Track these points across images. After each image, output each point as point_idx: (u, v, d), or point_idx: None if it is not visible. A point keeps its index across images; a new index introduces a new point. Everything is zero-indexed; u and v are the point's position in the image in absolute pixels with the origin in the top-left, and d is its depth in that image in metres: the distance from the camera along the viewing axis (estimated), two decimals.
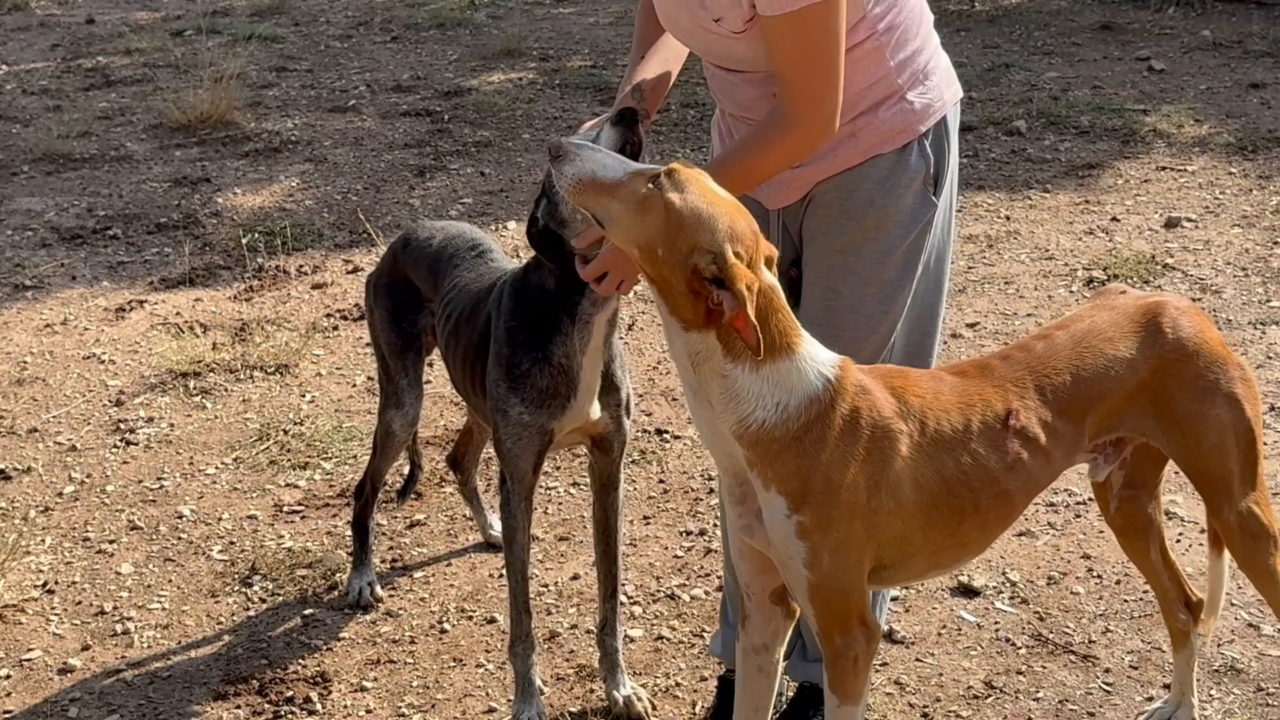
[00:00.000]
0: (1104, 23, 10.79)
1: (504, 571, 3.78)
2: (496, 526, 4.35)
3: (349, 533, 4.42)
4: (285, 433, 5.06)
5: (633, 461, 4.75)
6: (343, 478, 4.77)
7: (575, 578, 4.16)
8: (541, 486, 4.66)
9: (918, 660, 3.66)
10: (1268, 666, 3.56)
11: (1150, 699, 3.48)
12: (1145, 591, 3.88)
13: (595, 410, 3.35)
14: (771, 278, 2.63)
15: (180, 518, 4.57)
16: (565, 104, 9.12)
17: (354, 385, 5.45)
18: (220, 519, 4.56)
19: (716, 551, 4.20)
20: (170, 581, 4.25)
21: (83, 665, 3.87)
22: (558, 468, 4.78)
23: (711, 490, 4.44)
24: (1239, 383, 2.98)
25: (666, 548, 4.28)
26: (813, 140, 2.87)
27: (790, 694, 3.51)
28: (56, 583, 4.24)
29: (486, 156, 8.16)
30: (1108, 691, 3.52)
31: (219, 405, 5.32)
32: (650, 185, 2.56)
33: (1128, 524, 3.22)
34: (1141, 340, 2.91)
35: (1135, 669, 3.60)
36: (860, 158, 3.06)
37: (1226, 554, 3.14)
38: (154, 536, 4.48)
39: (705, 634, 3.86)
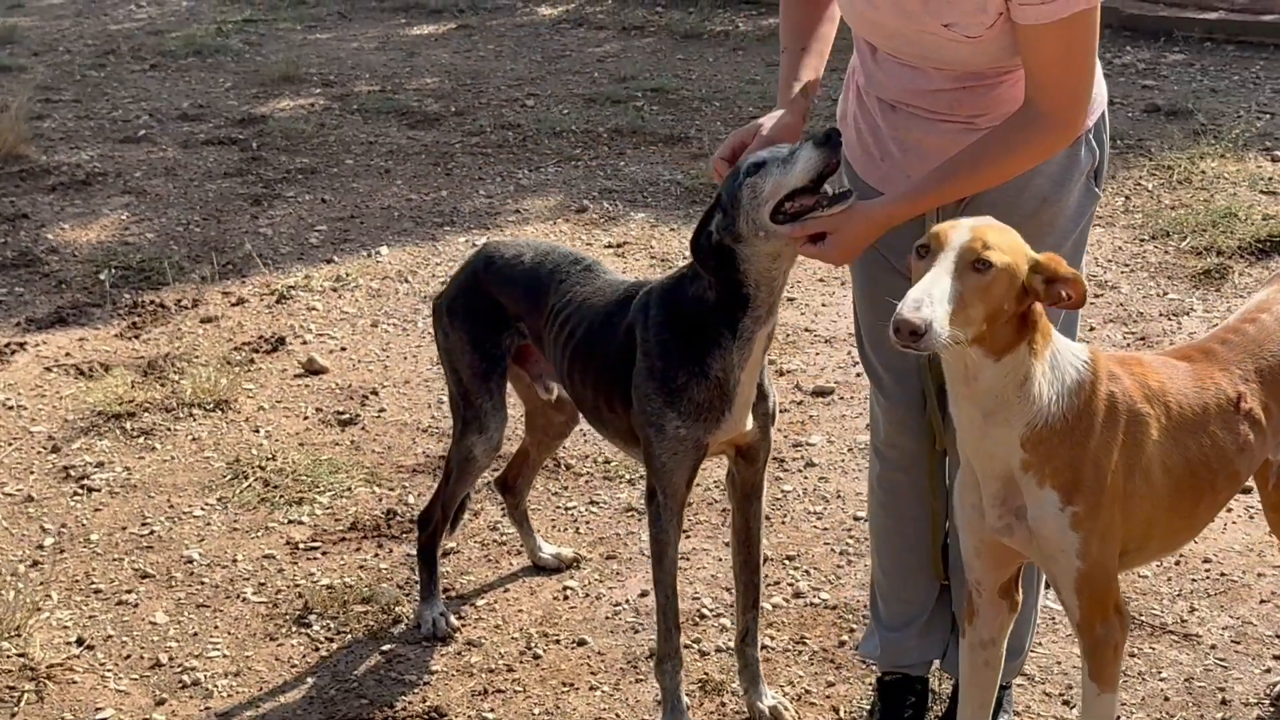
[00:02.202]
0: None
1: (579, 591, 3.74)
2: (545, 550, 4.29)
3: (383, 565, 4.29)
4: (261, 469, 4.85)
5: (640, 476, 4.73)
6: (345, 511, 4.61)
7: (644, 594, 4.12)
8: (561, 508, 4.60)
9: (1031, 651, 3.76)
10: None
11: (1268, 670, 3.67)
12: (1208, 571, 4.09)
13: (748, 422, 3.34)
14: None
15: (190, 562, 4.34)
16: (373, 128, 8.98)
17: (305, 417, 5.26)
18: (235, 560, 4.35)
19: (770, 559, 4.22)
20: (216, 628, 4.03)
21: None
22: (565, 488, 4.72)
23: None
24: None
25: (720, 560, 4.28)
26: (1066, 139, 2.94)
27: (948, 690, 3.56)
28: (91, 638, 3.96)
29: (318, 183, 7.95)
30: (1225, 667, 3.69)
31: (168, 446, 5.05)
32: (977, 268, 2.56)
33: None
34: None
35: (1237, 644, 3.79)
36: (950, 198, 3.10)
37: None
38: (172, 583, 4.24)
39: (807, 640, 3.89)
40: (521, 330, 3.78)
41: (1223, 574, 4.07)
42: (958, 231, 2.59)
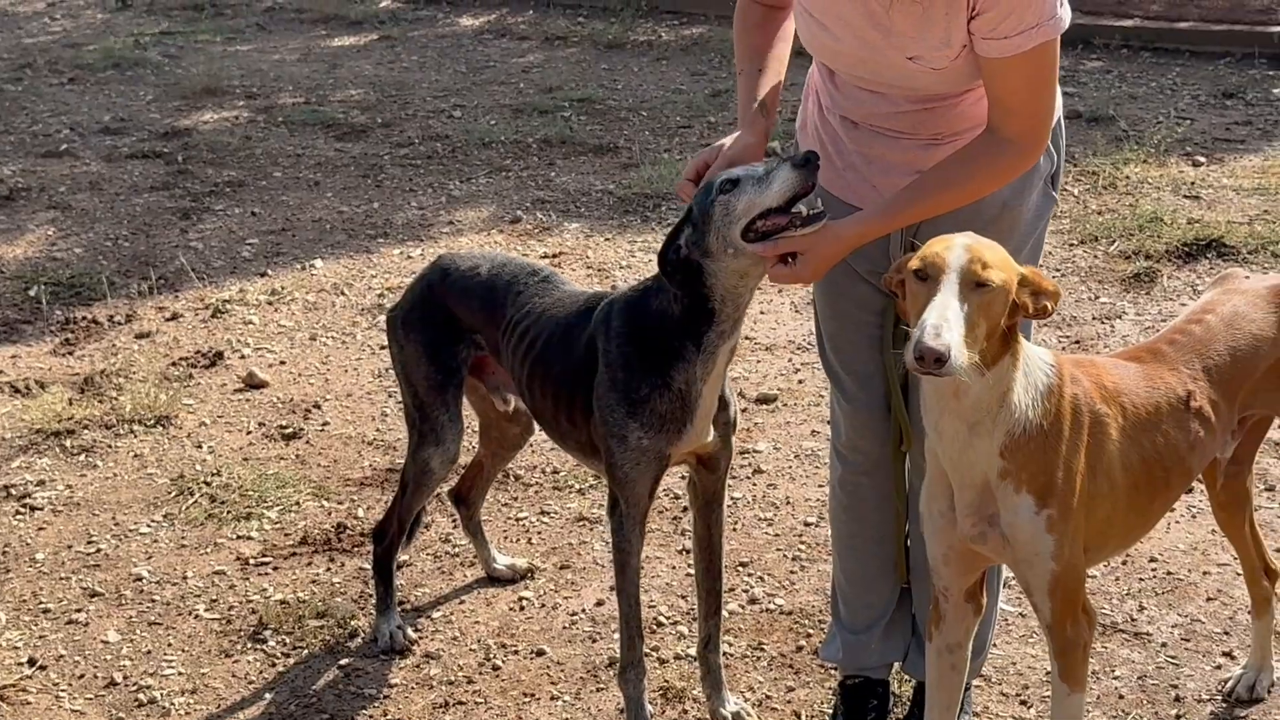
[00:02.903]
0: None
1: (523, 600, 3.75)
2: (500, 561, 4.29)
3: (336, 579, 4.28)
4: (206, 484, 4.83)
5: (590, 486, 4.75)
6: (294, 525, 4.59)
7: (600, 603, 4.13)
8: (512, 519, 4.61)
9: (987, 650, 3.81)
10: None
11: (1218, 667, 3.74)
12: (1154, 570, 4.17)
13: (710, 433, 3.36)
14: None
15: (140, 579, 4.31)
16: (300, 140, 8.93)
17: (247, 432, 5.23)
18: (186, 577, 4.32)
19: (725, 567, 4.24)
20: (170, 645, 4.00)
21: None
22: (515, 499, 4.73)
23: (686, 508, 4.48)
24: None
25: (674, 568, 4.31)
26: (1029, 162, 3.00)
27: (908, 696, 3.60)
28: (43, 658, 3.93)
29: (247, 196, 7.90)
30: (1176, 664, 3.76)
31: (110, 463, 5.01)
32: (979, 288, 2.60)
33: (1230, 499, 3.48)
34: (1278, 320, 3.16)
35: (1187, 641, 3.86)
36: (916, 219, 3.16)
37: None
38: (122, 601, 4.21)
39: (765, 646, 3.92)
40: (478, 342, 3.79)
41: (1169, 573, 4.14)
42: (954, 253, 2.62)
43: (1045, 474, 2.77)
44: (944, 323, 2.52)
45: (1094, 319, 5.91)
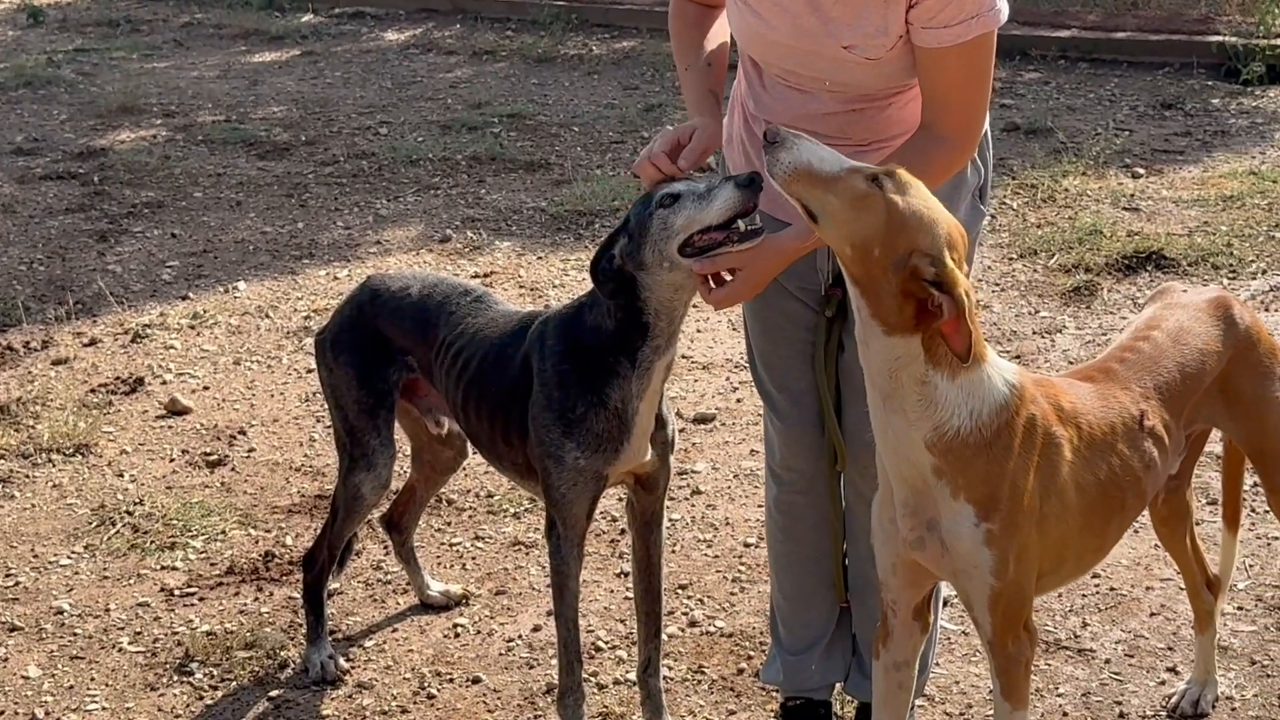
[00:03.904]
0: None
1: (444, 627, 3.79)
2: (434, 587, 4.32)
3: (265, 609, 4.29)
4: (129, 514, 4.82)
5: (525, 510, 4.78)
6: (220, 555, 4.60)
7: (537, 629, 4.16)
8: (446, 544, 4.63)
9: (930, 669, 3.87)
10: (1247, 641, 3.97)
11: (1163, 683, 3.81)
12: (1097, 586, 4.24)
13: (648, 452, 3.40)
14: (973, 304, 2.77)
15: (61, 613, 4.30)
16: (220, 159, 8.92)
17: (170, 460, 5.24)
18: (108, 610, 4.32)
19: (664, 589, 4.28)
20: (94, 679, 4.01)
21: None
22: (448, 524, 4.76)
23: (624, 530, 4.52)
24: None
25: (613, 591, 4.35)
26: (964, 158, 3.06)
27: (851, 714, 3.65)
28: None
29: (167, 218, 7.90)
30: (1120, 681, 3.83)
31: (28, 493, 5.00)
32: (870, 183, 2.67)
33: (1170, 513, 3.55)
34: (1221, 333, 3.24)
35: (1131, 657, 3.93)
36: None
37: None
38: (42, 635, 4.21)
39: (705, 669, 3.97)
40: (410, 364, 3.81)
41: (1112, 589, 4.22)
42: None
43: (987, 486, 2.80)
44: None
45: (1034, 333, 6.00)
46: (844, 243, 2.70)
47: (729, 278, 3.05)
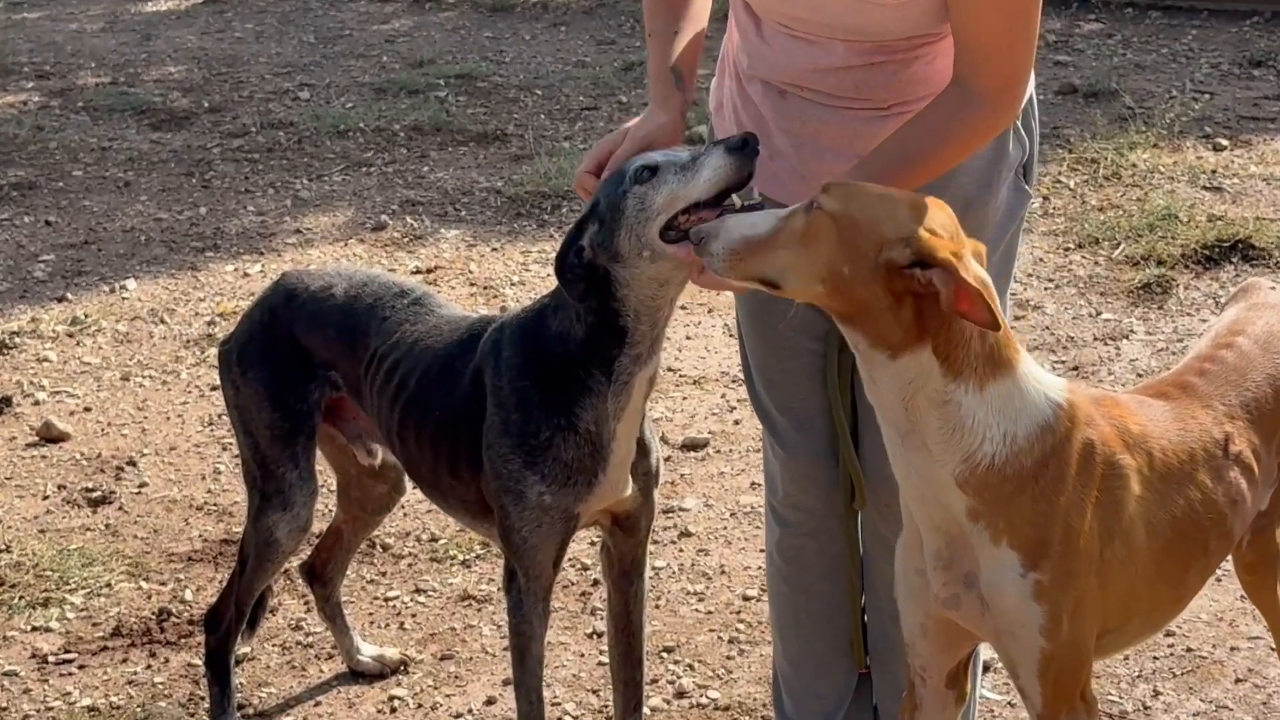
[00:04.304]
0: None
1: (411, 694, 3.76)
2: (365, 651, 4.33)
3: (159, 679, 4.31)
4: None
5: (477, 557, 4.80)
6: (104, 613, 4.61)
7: (490, 702, 4.18)
8: (380, 599, 4.65)
9: None
10: None
11: None
12: (1171, 646, 4.26)
13: (628, 485, 3.41)
14: (982, 271, 2.77)
15: None
16: (106, 130, 8.96)
17: (44, 497, 5.25)
18: None
19: (645, 652, 4.29)
20: None
21: None
22: (384, 574, 4.77)
23: (597, 581, 4.53)
24: None
25: (583, 655, 4.37)
26: (1005, 121, 3.05)
27: None
28: None
29: (40, 202, 7.92)
30: None
31: None
32: (807, 212, 2.71)
33: (1259, 559, 3.55)
34: None
35: None
36: None
37: None
38: None
39: None
40: (334, 380, 3.82)
41: (1189, 649, 4.24)
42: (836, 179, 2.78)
43: (1034, 527, 2.80)
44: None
45: (1095, 339, 6.03)
46: (813, 284, 2.73)
47: None
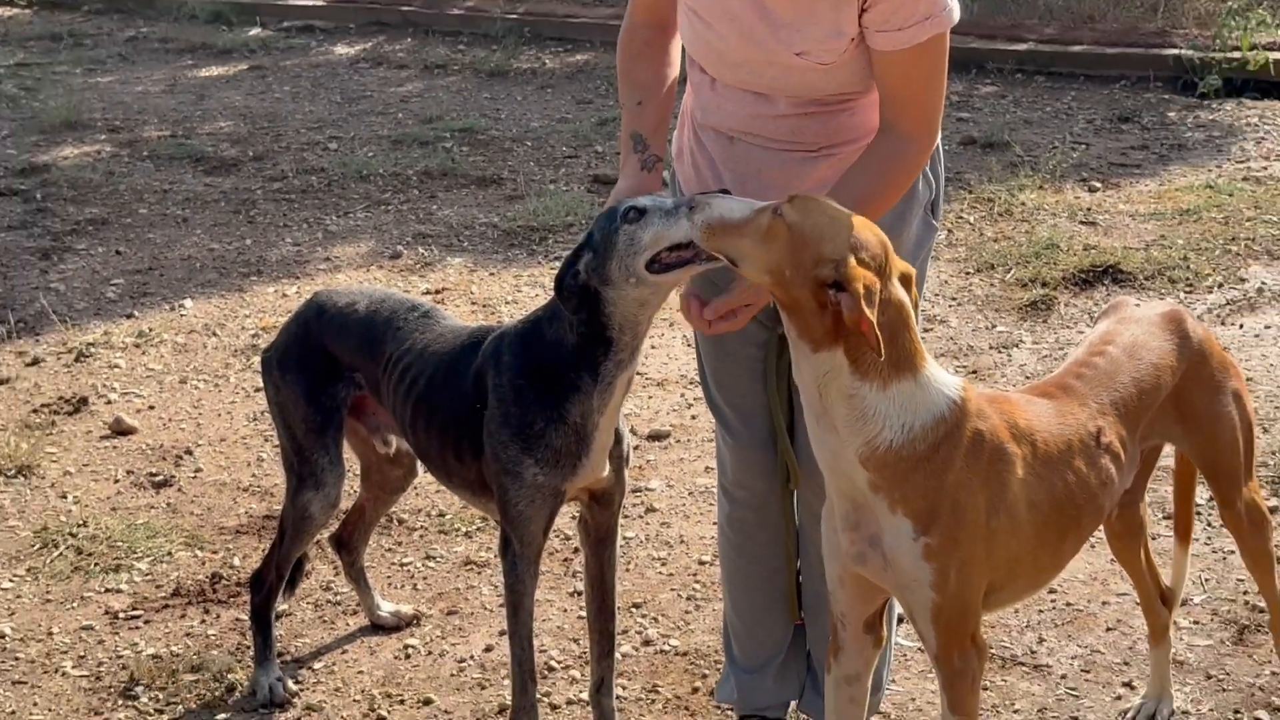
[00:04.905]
0: None
1: (400, 647, 3.78)
2: (384, 608, 4.33)
3: (212, 632, 4.29)
4: (72, 536, 4.81)
5: (477, 529, 4.79)
6: (166, 577, 4.59)
7: (489, 649, 4.18)
8: (397, 564, 4.64)
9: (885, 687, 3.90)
10: (1203, 655, 4.01)
11: (1119, 698, 3.85)
12: (1053, 601, 4.28)
13: (605, 468, 3.42)
14: (903, 293, 2.81)
15: (2, 637, 4.30)
16: (166, 175, 8.93)
17: (115, 481, 5.23)
18: (51, 633, 4.31)
19: (617, 607, 4.29)
20: (36, 705, 3.99)
21: None
22: (399, 543, 4.76)
23: (577, 549, 4.53)
24: (1238, 379, 3.41)
25: (566, 610, 4.36)
26: (927, 155, 3.10)
27: None
28: None
29: (111, 235, 7.88)
30: (1076, 696, 3.87)
31: None
32: (773, 215, 2.75)
33: (1125, 528, 3.59)
34: (1175, 347, 3.28)
35: (1087, 673, 3.97)
36: None
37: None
38: None
39: (660, 688, 3.99)
40: (357, 381, 3.82)
41: (1068, 604, 4.26)
42: (806, 192, 2.84)
43: (925, 501, 2.82)
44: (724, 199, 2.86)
45: (991, 348, 6.05)
46: (762, 273, 2.78)
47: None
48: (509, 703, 3.63)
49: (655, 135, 3.30)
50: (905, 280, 2.84)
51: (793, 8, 3.00)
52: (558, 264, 6.90)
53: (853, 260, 2.70)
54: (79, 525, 4.87)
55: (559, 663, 4.11)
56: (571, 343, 3.25)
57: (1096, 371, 3.16)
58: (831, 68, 3.04)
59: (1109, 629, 4.15)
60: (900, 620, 3.88)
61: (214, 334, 6.52)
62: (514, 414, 3.33)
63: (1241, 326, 6.11)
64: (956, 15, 3.01)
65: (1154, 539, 3.87)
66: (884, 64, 3.01)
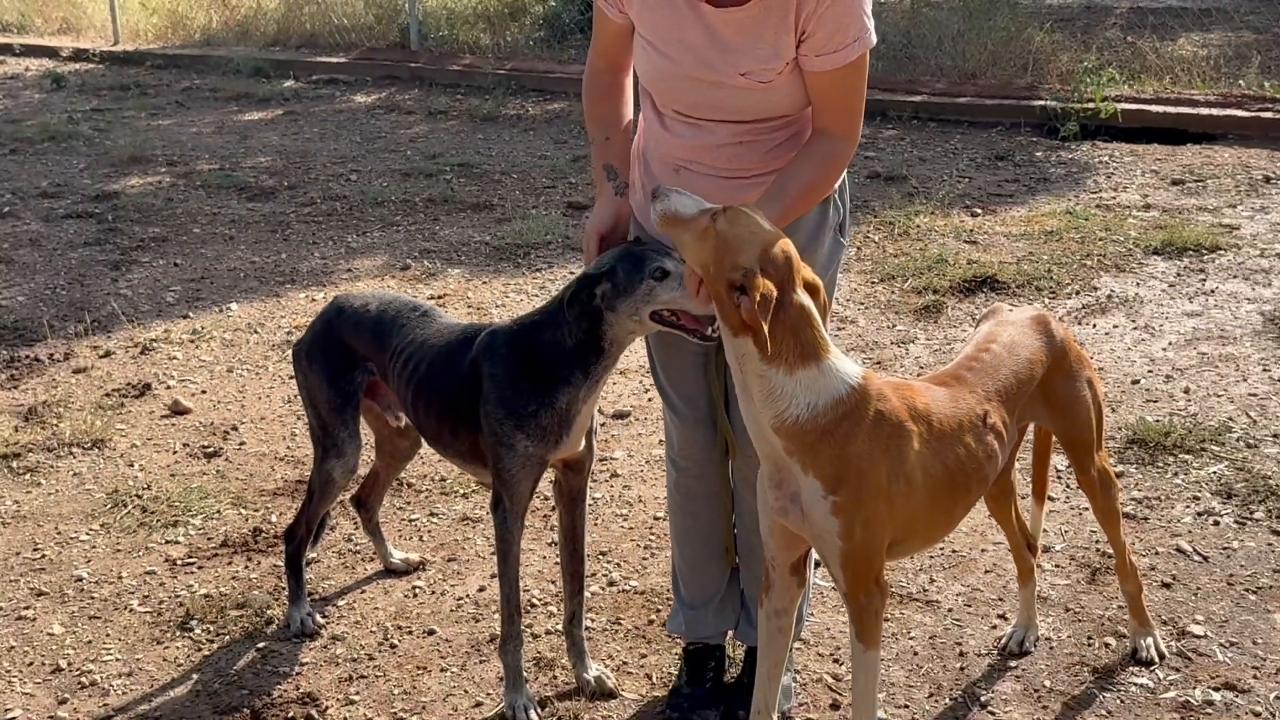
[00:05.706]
0: None
1: (410, 587, 3.75)
2: (395, 555, 4.31)
3: (254, 575, 4.27)
4: (138, 497, 4.77)
5: (472, 491, 4.78)
6: (215, 531, 4.57)
7: (482, 589, 4.17)
8: (406, 520, 4.62)
9: (806, 620, 3.90)
10: (1063, 593, 4.04)
11: (994, 627, 3.87)
12: (942, 548, 4.29)
13: (582, 443, 3.42)
14: (807, 299, 2.80)
15: (80, 580, 4.25)
16: (215, 201, 8.86)
17: (174, 452, 5.19)
18: (121, 577, 4.27)
19: (586, 554, 4.29)
20: (108, 635, 3.96)
21: (69, 717, 3.56)
22: (408, 503, 4.75)
23: (554, 507, 4.52)
24: (1091, 370, 3.43)
25: (545, 558, 4.35)
26: (853, 148, 3.09)
27: (740, 658, 3.68)
28: None
29: (170, 250, 7.82)
30: (960, 626, 3.88)
31: (52, 481, 4.94)
32: (710, 219, 2.75)
33: (999, 491, 3.60)
34: (1043, 344, 3.29)
35: (969, 607, 3.99)
36: (799, 213, 3.25)
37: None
38: (65, 599, 4.15)
39: (622, 621, 3.98)
40: (370, 369, 3.80)
41: (954, 550, 4.27)
42: (743, 206, 2.85)
43: (832, 465, 2.82)
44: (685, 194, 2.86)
45: (892, 343, 6.06)
46: (695, 264, 2.82)
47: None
48: (499, 632, 3.62)
49: (623, 166, 3.29)
50: (811, 288, 2.84)
51: (740, 33, 2.99)
52: (540, 274, 6.93)
53: (758, 271, 2.71)
54: (144, 489, 4.84)
55: (539, 600, 4.10)
56: (570, 345, 3.24)
57: (983, 365, 3.17)
58: (769, 87, 3.02)
59: (987, 571, 4.17)
60: (818, 565, 3.89)
61: (255, 331, 6.48)
62: (509, 398, 3.32)
63: (1094, 326, 6.14)
64: (874, 38, 3.02)
65: (1022, 499, 3.88)
66: (818, 81, 3.00)
